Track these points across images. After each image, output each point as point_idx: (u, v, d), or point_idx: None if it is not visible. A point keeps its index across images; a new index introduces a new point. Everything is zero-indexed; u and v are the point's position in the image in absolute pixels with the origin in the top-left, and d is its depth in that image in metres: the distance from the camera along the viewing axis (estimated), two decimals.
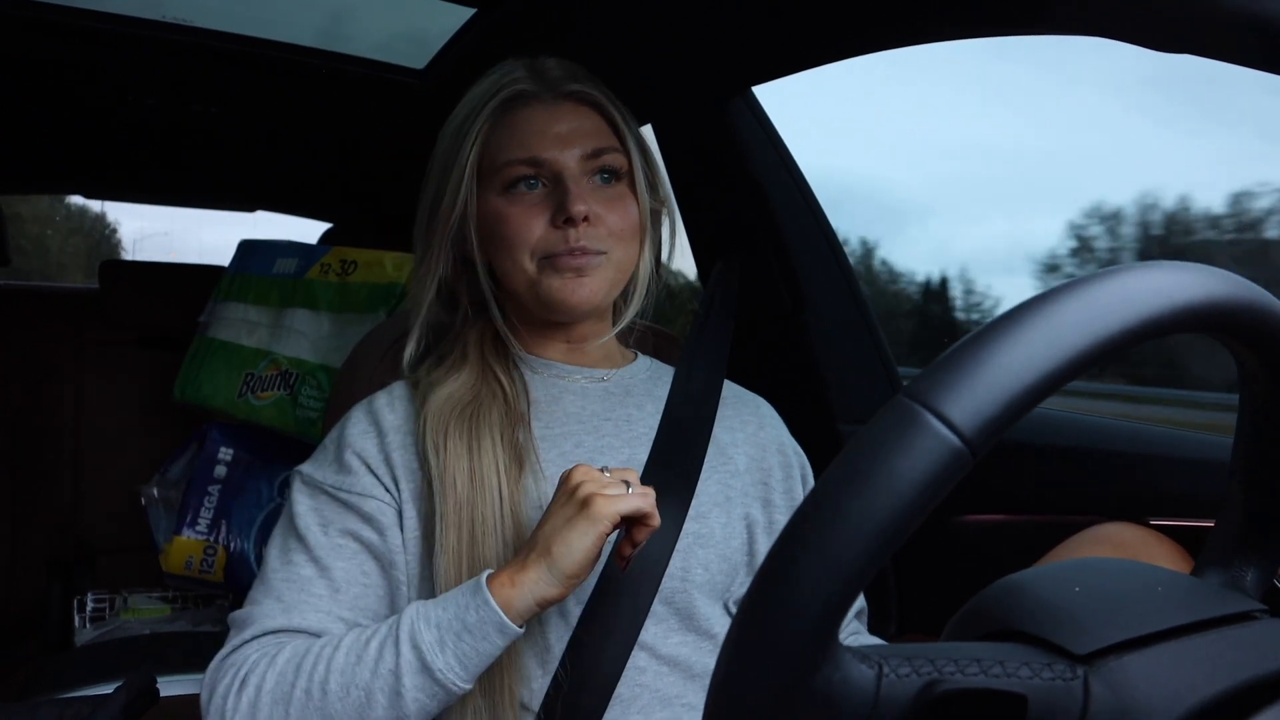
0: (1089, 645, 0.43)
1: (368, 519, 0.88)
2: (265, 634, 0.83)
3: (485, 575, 0.79)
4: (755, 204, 1.44)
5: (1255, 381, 0.50)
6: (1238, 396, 0.52)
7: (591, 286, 0.93)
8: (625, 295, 1.01)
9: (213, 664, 0.84)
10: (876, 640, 1.02)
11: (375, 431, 0.92)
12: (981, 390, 0.38)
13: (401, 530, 0.89)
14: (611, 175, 0.96)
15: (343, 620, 0.85)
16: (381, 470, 0.90)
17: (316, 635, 0.83)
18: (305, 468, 0.93)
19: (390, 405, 0.94)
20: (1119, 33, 0.88)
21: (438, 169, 0.97)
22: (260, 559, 1.74)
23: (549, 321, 0.98)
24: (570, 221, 0.90)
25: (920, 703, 0.41)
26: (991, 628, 0.47)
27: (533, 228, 0.92)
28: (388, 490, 0.89)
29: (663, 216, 1.03)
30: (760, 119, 1.46)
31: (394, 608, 0.88)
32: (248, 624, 0.85)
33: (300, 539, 0.88)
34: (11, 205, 2.69)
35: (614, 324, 1.03)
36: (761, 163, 1.45)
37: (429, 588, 0.86)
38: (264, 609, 0.85)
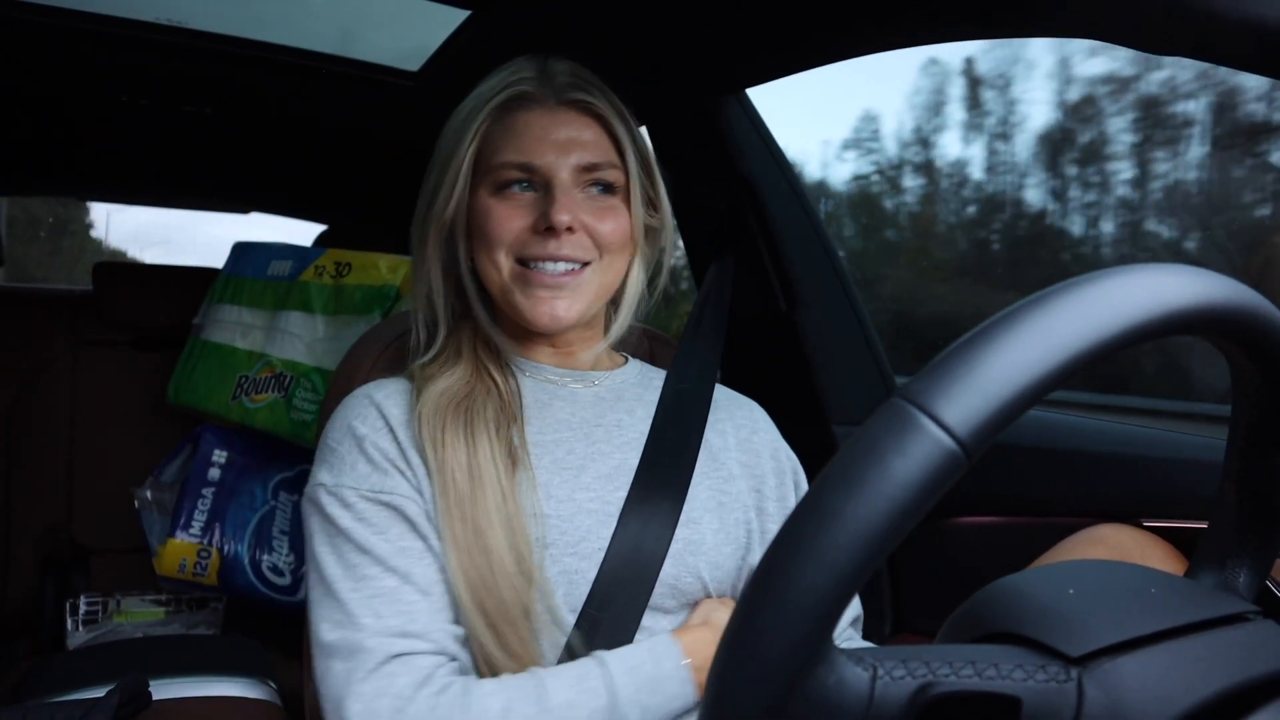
0: (1083, 647, 0.43)
1: (412, 522, 0.86)
2: (393, 657, 0.80)
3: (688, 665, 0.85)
4: (749, 204, 1.45)
5: (1248, 384, 0.50)
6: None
7: (566, 305, 0.92)
8: (615, 305, 1.01)
9: (352, 700, 0.78)
10: (871, 646, 1.02)
11: (386, 427, 0.90)
12: (976, 392, 0.38)
13: (434, 528, 0.87)
14: (605, 188, 0.95)
15: (445, 631, 0.83)
16: (405, 468, 0.88)
17: (439, 650, 0.82)
18: (326, 478, 0.88)
19: (392, 399, 0.93)
20: (1112, 35, 0.88)
21: (438, 165, 0.97)
22: (254, 561, 1.74)
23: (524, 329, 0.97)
24: (551, 230, 0.90)
25: (915, 705, 0.41)
26: (986, 630, 0.47)
27: (513, 227, 0.92)
28: (419, 491, 0.87)
29: (660, 234, 1.02)
30: (753, 119, 1.46)
31: None
32: (359, 651, 0.80)
33: (364, 551, 0.84)
34: None
35: (605, 332, 1.03)
36: (754, 163, 1.45)
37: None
38: (365, 628, 0.81)
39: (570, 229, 0.91)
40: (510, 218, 0.92)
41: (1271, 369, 0.48)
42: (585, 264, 0.93)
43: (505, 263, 0.92)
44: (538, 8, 1.30)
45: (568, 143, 0.93)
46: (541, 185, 0.92)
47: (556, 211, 0.89)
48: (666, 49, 1.32)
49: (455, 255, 0.98)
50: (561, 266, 0.92)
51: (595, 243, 0.93)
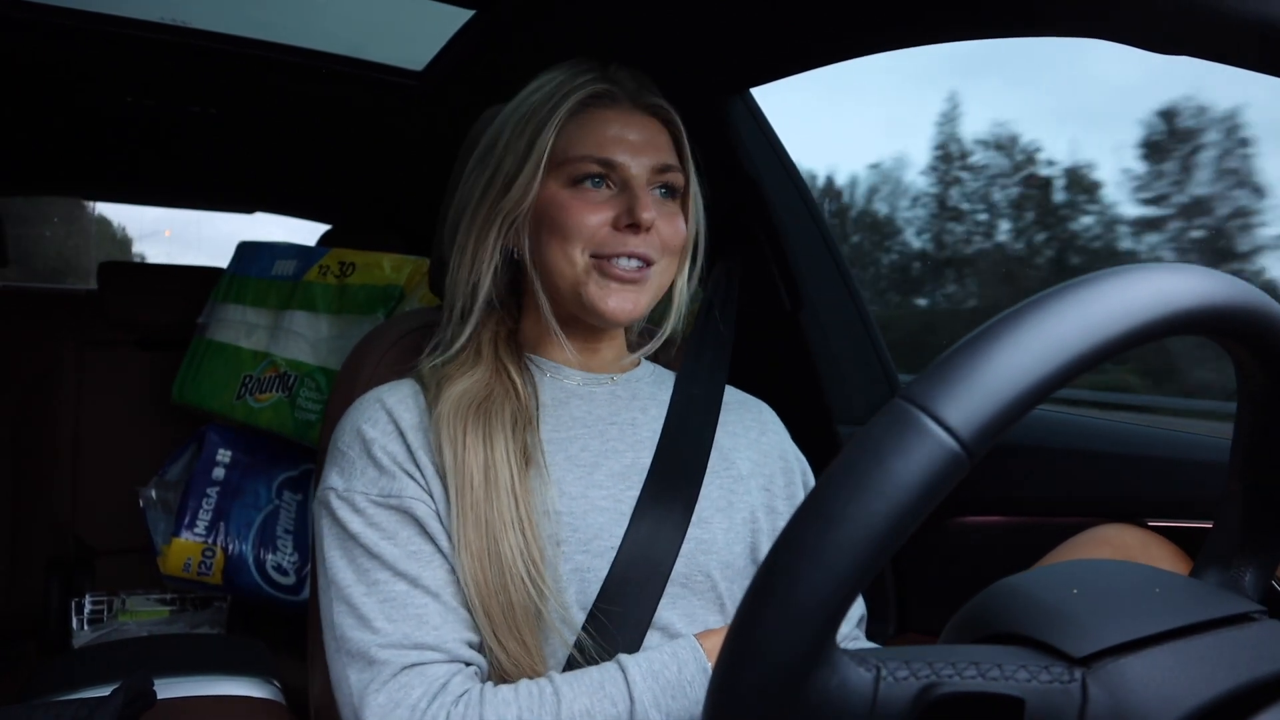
0: (1087, 647, 0.43)
1: (422, 524, 0.87)
2: (407, 668, 0.81)
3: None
4: (753, 204, 1.44)
5: (1253, 384, 0.50)
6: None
7: (635, 300, 0.94)
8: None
9: (368, 711, 0.80)
10: (874, 647, 1.02)
11: (396, 431, 0.90)
12: (979, 393, 0.38)
13: (444, 530, 0.88)
14: (670, 191, 0.97)
15: (459, 637, 0.84)
16: (414, 471, 0.88)
17: (452, 658, 0.82)
18: (337, 483, 0.89)
19: (403, 403, 0.92)
20: (1118, 35, 0.88)
21: (498, 156, 0.96)
22: (258, 561, 1.75)
23: (577, 321, 0.98)
24: (635, 227, 0.91)
25: (918, 706, 0.41)
26: (989, 630, 0.47)
27: (592, 222, 0.92)
28: (428, 493, 0.88)
29: (698, 241, 1.04)
30: (757, 118, 1.45)
31: None
32: (373, 662, 0.81)
33: (374, 556, 0.85)
34: None
35: (635, 336, 1.06)
36: (759, 162, 1.45)
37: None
38: (379, 633, 0.82)
39: (650, 228, 0.92)
40: (589, 211, 0.93)
41: (1276, 368, 0.48)
42: (652, 263, 0.95)
43: (580, 258, 0.93)
44: (542, 7, 1.30)
45: (643, 144, 0.95)
46: (618, 183, 0.94)
47: (642, 209, 0.91)
48: (670, 48, 1.32)
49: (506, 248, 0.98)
50: (635, 263, 0.93)
51: (662, 245, 0.95)
